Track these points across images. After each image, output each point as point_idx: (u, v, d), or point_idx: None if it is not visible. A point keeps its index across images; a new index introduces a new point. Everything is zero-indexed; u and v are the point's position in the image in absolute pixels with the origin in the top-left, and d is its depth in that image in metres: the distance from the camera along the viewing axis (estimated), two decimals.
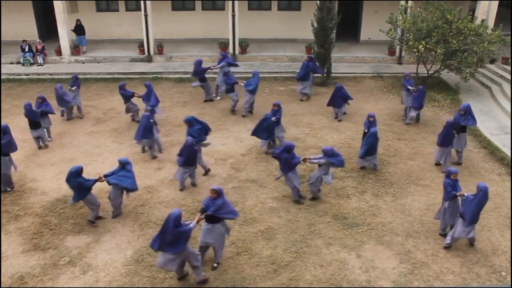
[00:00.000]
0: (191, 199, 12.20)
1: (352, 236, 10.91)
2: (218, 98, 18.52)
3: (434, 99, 18.46)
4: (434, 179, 13.23)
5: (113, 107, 17.94)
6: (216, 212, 9.44)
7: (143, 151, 14.53)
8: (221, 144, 14.91)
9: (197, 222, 9.33)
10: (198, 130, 13.18)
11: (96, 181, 11.18)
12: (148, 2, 22.09)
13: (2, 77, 21.11)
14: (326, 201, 12.18)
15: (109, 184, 11.30)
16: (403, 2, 21.31)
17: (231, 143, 15.08)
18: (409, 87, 16.46)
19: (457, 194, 10.46)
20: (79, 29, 23.21)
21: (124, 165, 11.34)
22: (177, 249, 8.88)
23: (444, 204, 10.69)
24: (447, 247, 10.48)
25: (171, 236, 8.79)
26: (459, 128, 13.63)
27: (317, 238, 10.82)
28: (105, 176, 11.26)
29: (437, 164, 13.84)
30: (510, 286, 8.78)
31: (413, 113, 16.28)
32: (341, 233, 11.02)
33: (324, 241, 10.73)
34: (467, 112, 13.64)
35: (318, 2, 19.42)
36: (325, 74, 19.88)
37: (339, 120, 16.65)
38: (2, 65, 22.31)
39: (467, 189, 12.67)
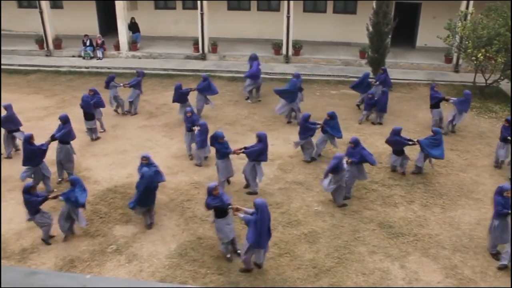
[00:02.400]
0: (238, 197, 12.26)
1: (397, 246, 10.65)
2: (249, 101, 18.35)
3: (491, 110, 17.74)
4: (487, 193, 12.69)
5: (166, 103, 18.32)
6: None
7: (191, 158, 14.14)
8: (270, 144, 14.90)
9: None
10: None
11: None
12: (204, 1, 22.45)
13: (64, 69, 22.03)
14: (372, 208, 11.95)
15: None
16: (463, 8, 20.60)
17: (279, 144, 15.07)
18: (451, 99, 15.75)
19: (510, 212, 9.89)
20: (133, 27, 23.88)
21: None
22: None
23: (494, 222, 10.19)
24: (502, 268, 9.98)
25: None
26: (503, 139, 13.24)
27: (360, 245, 10.64)
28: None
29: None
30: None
31: (459, 119, 15.67)
32: (386, 242, 10.78)
33: (367, 249, 10.53)
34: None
35: (374, 5, 19.09)
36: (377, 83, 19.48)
37: (378, 123, 16.52)
38: (64, 58, 23.30)
39: None
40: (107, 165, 13.85)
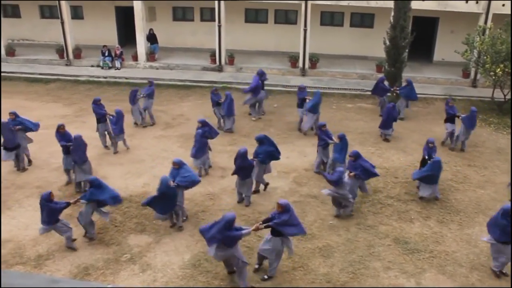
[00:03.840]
0: (251, 210, 12.26)
1: (413, 262, 10.53)
2: (252, 118, 18.00)
3: (509, 126, 17.52)
4: None
5: (182, 113, 18.45)
6: (277, 225, 9.43)
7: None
8: (285, 157, 14.89)
9: (254, 229, 9.43)
10: (265, 152, 12.69)
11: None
12: (222, 13, 22.65)
13: (83, 78, 22.35)
14: (388, 223, 11.84)
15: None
16: (481, 23, 20.49)
17: (295, 157, 15.05)
18: (461, 116, 15.58)
19: None
20: (152, 38, 24.17)
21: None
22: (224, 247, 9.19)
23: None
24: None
25: (219, 235, 9.01)
26: None
27: (375, 261, 10.53)
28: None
29: None
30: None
31: (465, 135, 15.56)
32: (401, 258, 10.66)
33: (382, 265, 10.43)
34: None
35: (391, 19, 19.08)
36: (394, 94, 19.42)
37: (386, 140, 16.33)
38: (84, 67, 23.66)
39: None
40: (122, 174, 13.95)
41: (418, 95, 20.40)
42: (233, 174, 12.40)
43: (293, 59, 23.24)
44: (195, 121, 17.42)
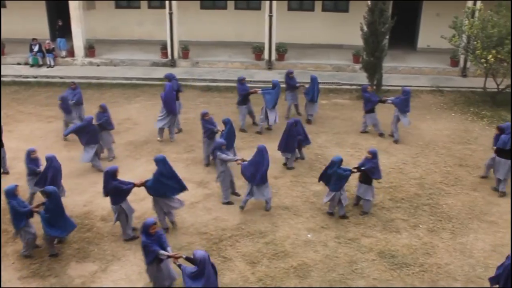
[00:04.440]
0: (214, 226, 12.26)
1: (401, 279, 10.72)
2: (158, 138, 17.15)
3: (504, 119, 18.04)
4: (503, 214, 12.90)
5: (129, 117, 18.30)
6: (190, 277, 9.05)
7: None
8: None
9: (170, 256, 9.56)
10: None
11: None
12: None
13: (8, 79, 21.88)
14: (371, 235, 12.04)
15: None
16: (470, 4, 21.09)
17: None
18: (388, 100, 16.61)
19: None
20: (60, 31, 23.86)
21: None
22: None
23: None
24: None
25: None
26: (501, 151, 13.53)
27: (359, 279, 10.68)
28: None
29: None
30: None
31: (405, 121, 16.46)
32: (388, 274, 10.85)
33: (367, 283, 10.58)
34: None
35: (369, 2, 19.44)
36: (374, 87, 19.76)
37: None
38: (8, 65, 23.19)
39: None
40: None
41: (401, 87, 20.83)
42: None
43: (258, 50, 23.38)
44: (145, 126, 17.45)
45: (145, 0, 25.33)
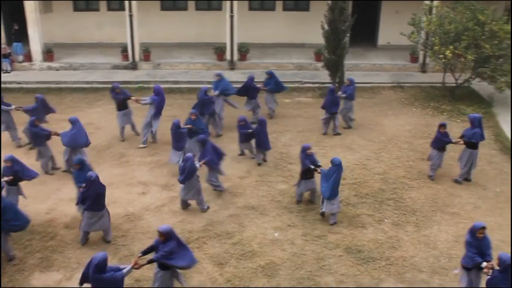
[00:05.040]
0: (180, 229, 12.17)
1: (368, 273, 10.87)
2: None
3: (464, 113, 18.50)
4: (464, 206, 13.23)
5: (91, 122, 18.03)
6: (163, 258, 9.23)
7: None
8: None
9: (135, 268, 9.21)
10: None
11: None
12: (133, 1, 22.37)
13: None
14: (338, 231, 12.17)
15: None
16: (427, 2, 21.53)
17: (227, 164, 15.06)
18: (342, 95, 17.10)
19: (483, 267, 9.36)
20: (16, 35, 23.37)
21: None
22: None
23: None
24: None
25: (92, 281, 8.76)
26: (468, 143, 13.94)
27: (327, 275, 10.79)
28: None
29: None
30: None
31: (351, 111, 17.15)
32: (355, 269, 10.98)
33: (335, 279, 10.70)
34: (474, 125, 13.84)
35: (329, 1, 19.63)
36: (337, 84, 19.97)
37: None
38: None
39: (502, 217, 12.71)
40: (21, 200, 13.40)
41: (363, 84, 21.19)
42: None
43: (220, 51, 23.35)
44: (107, 130, 17.24)
45: (104, 0, 24.95)
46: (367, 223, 12.50)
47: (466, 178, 14.34)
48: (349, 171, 14.69)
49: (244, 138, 15.29)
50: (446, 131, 14.09)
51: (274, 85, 17.95)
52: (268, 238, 11.92)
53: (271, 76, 18.02)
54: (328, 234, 12.07)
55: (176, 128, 14.48)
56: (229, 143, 16.40)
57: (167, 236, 9.23)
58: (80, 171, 12.05)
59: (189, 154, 12.77)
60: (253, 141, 15.28)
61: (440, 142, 14.08)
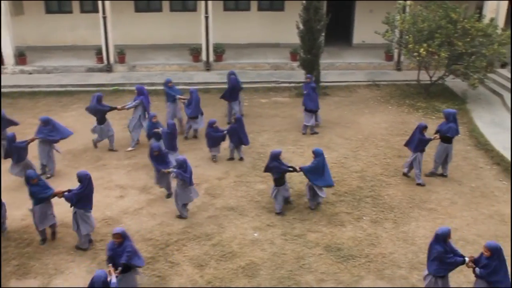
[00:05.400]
0: (159, 232, 12.13)
1: (348, 270, 10.93)
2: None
3: (438, 109, 18.74)
4: (441, 201, 13.39)
5: (66, 125, 17.71)
6: (131, 259, 9.41)
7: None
8: (194, 166, 14.86)
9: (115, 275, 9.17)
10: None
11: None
12: (107, 2, 22.18)
13: None
14: (317, 230, 12.22)
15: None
16: (401, 1, 21.76)
17: (205, 165, 15.10)
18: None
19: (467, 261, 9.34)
20: None
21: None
22: None
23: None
24: None
25: None
26: (443, 137, 14.14)
27: (307, 274, 10.82)
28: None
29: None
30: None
31: (312, 120, 17.02)
32: (335, 267, 11.04)
33: (315, 277, 10.73)
34: (448, 120, 14.03)
35: (304, 1, 19.72)
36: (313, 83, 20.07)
37: None
38: None
39: (478, 212, 12.91)
40: None
41: (339, 83, 21.37)
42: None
43: (195, 52, 23.29)
44: (83, 134, 17.03)
45: (77, 1, 24.69)
46: (346, 221, 12.58)
47: (442, 174, 14.53)
48: None
49: (217, 142, 15.21)
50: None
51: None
52: (248, 239, 11.91)
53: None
54: (308, 233, 12.11)
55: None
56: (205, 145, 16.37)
57: (124, 236, 9.48)
58: (36, 186, 11.40)
59: (180, 157, 12.64)
60: (224, 143, 15.33)
61: (424, 143, 14.06)
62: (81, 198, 11.22)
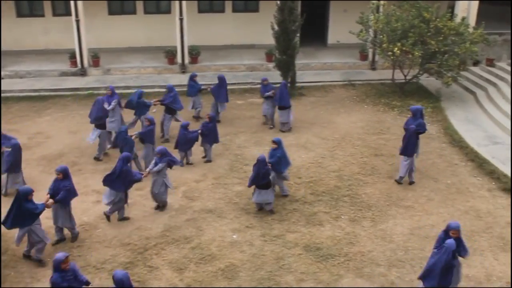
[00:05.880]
0: (137, 236, 12.03)
1: (328, 270, 10.97)
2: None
3: None
4: (418, 199, 13.53)
5: (40, 131, 17.60)
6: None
7: None
8: (171, 169, 14.82)
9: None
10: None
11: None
12: (79, 5, 21.92)
13: None
14: (296, 230, 12.24)
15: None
16: (374, 0, 21.96)
17: (182, 168, 15.00)
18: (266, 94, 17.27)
19: None
20: None
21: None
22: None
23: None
24: None
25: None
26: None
27: (287, 274, 10.83)
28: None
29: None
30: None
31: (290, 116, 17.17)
32: (315, 266, 11.07)
33: (295, 277, 10.74)
34: (416, 116, 14.17)
35: (278, 2, 19.77)
36: (289, 84, 20.12)
37: None
38: None
39: (454, 208, 13.10)
40: None
41: (315, 83, 21.47)
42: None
43: (170, 55, 23.17)
44: (57, 139, 16.86)
45: (49, 0, 24.35)
46: (324, 220, 12.63)
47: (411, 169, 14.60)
48: (304, 169, 14.82)
49: (189, 144, 15.06)
50: None
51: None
52: (227, 241, 11.88)
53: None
54: (286, 233, 12.13)
55: (124, 135, 14.33)
56: None
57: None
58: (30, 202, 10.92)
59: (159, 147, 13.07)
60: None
61: (416, 144, 14.09)
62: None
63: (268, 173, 12.51)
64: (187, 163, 15.30)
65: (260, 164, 12.32)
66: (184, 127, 14.94)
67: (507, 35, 22.78)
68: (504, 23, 23.80)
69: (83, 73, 22.71)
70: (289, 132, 17.28)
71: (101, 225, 12.50)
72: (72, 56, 22.74)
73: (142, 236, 12.02)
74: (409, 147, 13.83)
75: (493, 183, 14.27)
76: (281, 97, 16.91)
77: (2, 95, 20.39)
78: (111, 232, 12.22)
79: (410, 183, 14.22)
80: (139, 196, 13.50)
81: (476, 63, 22.39)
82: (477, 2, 22.17)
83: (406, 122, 14.42)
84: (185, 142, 15.00)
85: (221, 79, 17.80)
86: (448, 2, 24.01)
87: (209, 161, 15.43)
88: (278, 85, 17.61)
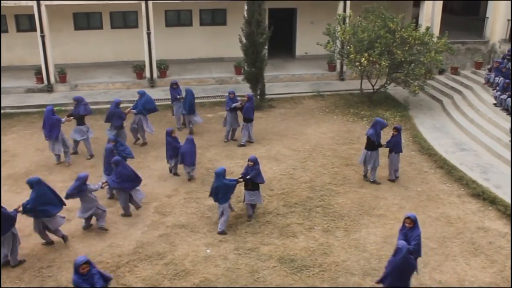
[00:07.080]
0: (109, 254, 11.84)
1: (303, 281, 10.97)
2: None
3: (382, 117, 19.12)
4: (390, 207, 13.67)
5: (6, 149, 17.24)
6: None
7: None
8: (142, 185, 14.66)
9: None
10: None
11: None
12: (44, 20, 21.65)
13: None
14: (270, 242, 12.22)
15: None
16: (340, 11, 22.28)
17: (153, 183, 14.89)
18: (233, 105, 17.35)
19: None
20: None
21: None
22: None
23: None
24: None
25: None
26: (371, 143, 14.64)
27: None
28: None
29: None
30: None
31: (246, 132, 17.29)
32: (290, 278, 11.05)
33: None
34: (372, 125, 14.68)
35: (245, 14, 19.87)
36: (258, 97, 20.22)
37: None
38: None
39: (425, 215, 13.27)
40: None
41: (284, 95, 21.59)
42: None
43: (139, 69, 23.06)
44: (24, 157, 16.54)
45: (12, 22, 24.01)
46: (297, 231, 12.64)
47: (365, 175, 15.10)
48: (276, 181, 14.85)
49: (175, 153, 15.09)
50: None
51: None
52: (201, 255, 11.78)
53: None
54: (260, 246, 12.09)
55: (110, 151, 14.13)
56: (154, 162, 16.18)
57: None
58: None
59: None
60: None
61: (400, 142, 14.80)
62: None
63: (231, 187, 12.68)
64: (174, 174, 15.46)
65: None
66: (169, 134, 15.01)
67: (470, 43, 23.40)
68: (465, 32, 24.45)
69: (49, 89, 22.41)
70: (252, 144, 17.39)
71: (72, 243, 12.27)
72: (38, 72, 22.44)
73: (114, 254, 11.84)
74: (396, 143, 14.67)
75: (462, 189, 14.53)
76: (248, 109, 16.96)
77: None
78: (82, 250, 11.99)
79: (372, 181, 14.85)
80: (110, 213, 13.30)
81: (441, 72, 22.90)
82: (440, 11, 22.71)
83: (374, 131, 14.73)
84: (172, 149, 15.06)
85: (187, 92, 17.85)
86: (413, 11, 24.52)
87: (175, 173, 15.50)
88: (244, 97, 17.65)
